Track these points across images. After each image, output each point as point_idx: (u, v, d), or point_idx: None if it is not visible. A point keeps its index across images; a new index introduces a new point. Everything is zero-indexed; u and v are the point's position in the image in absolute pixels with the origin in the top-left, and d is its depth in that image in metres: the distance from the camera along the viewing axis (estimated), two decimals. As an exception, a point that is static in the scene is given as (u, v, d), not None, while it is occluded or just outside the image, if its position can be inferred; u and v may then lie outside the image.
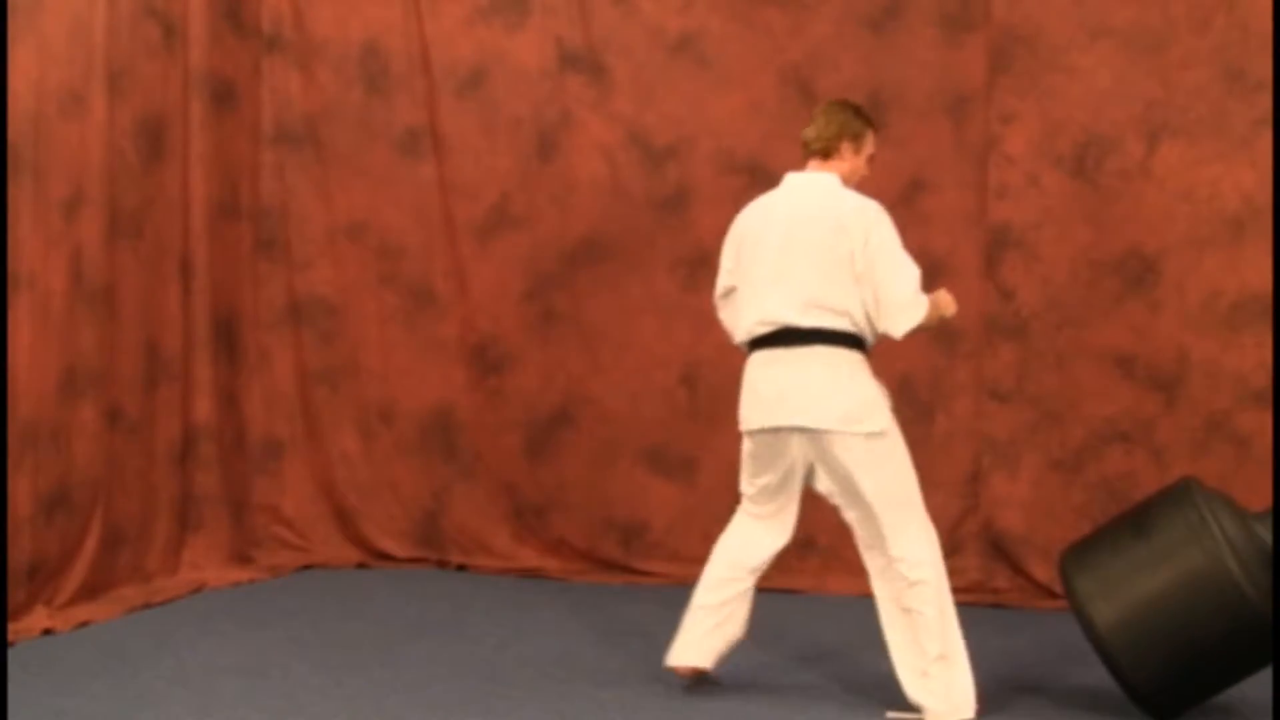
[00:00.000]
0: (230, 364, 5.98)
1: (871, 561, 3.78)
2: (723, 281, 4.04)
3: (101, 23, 5.10)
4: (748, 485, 3.97)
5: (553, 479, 5.96)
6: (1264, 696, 3.85)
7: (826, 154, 3.88)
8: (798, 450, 3.78)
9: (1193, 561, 3.57)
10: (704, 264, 5.76)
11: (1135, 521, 3.78)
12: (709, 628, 3.93)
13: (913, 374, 5.53)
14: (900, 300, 3.68)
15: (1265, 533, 3.62)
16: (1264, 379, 5.09)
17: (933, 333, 5.55)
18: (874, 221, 3.71)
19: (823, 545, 5.47)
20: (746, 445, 3.93)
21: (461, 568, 5.99)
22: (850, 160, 3.90)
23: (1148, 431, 5.25)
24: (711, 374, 5.72)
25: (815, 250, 3.70)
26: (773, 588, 5.44)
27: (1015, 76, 5.37)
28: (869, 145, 3.94)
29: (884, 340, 3.79)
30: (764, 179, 5.65)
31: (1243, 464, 5.14)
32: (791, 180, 3.93)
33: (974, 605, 5.29)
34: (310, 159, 6.17)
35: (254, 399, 6.13)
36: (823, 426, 3.67)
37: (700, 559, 5.74)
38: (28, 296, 4.74)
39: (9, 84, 4.61)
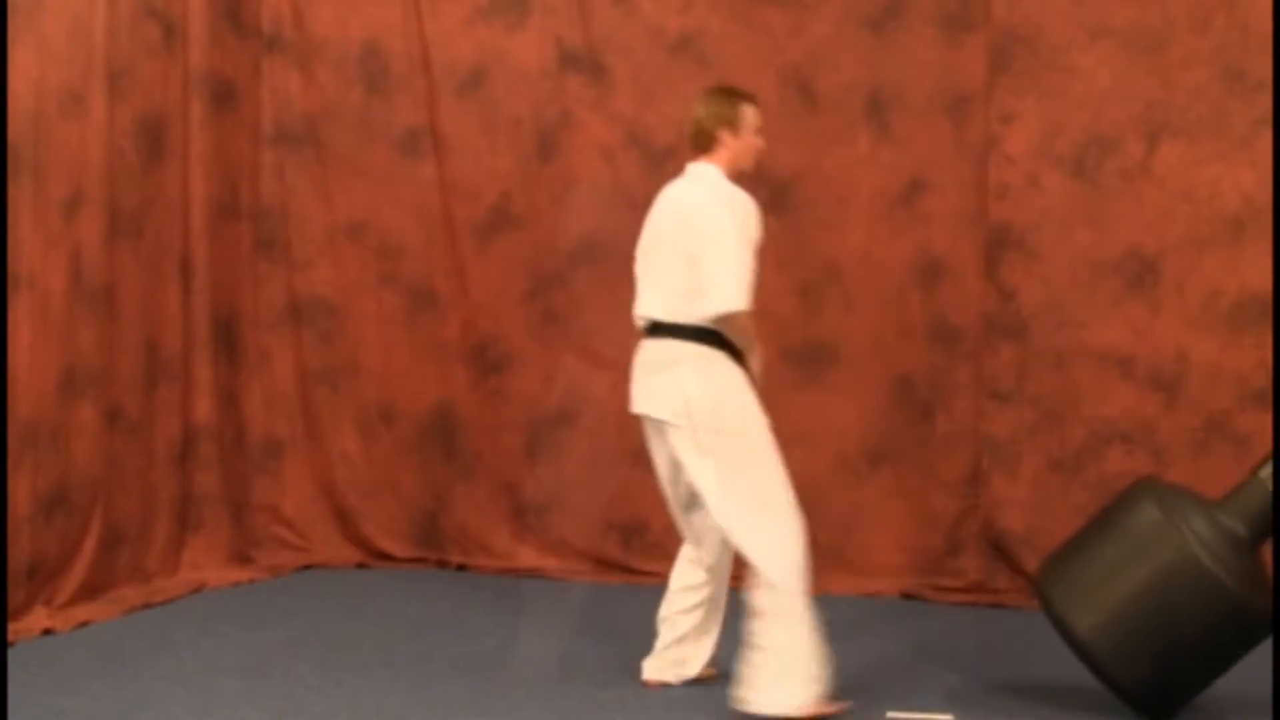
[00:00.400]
0: (230, 364, 5.98)
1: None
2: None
3: (101, 23, 5.10)
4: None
5: (553, 479, 5.96)
6: (1264, 697, 3.85)
7: (705, 148, 3.86)
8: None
9: (1163, 558, 3.60)
10: (704, 264, 5.76)
11: (1100, 529, 3.81)
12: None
13: (913, 374, 5.53)
14: (717, 277, 3.65)
15: (1230, 520, 3.65)
16: (1264, 379, 5.09)
17: (932, 332, 5.58)
18: (714, 212, 3.70)
19: (822, 545, 5.46)
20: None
21: (461, 568, 5.99)
22: (732, 145, 3.84)
23: (1148, 431, 5.25)
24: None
25: (671, 245, 3.78)
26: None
27: (1015, 76, 5.37)
28: (750, 121, 3.88)
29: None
30: (763, 179, 5.65)
31: (1243, 464, 5.12)
32: (687, 171, 3.93)
33: (974, 605, 5.30)
34: (310, 159, 6.17)
35: (254, 399, 6.13)
36: (660, 417, 3.79)
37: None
38: (28, 296, 4.74)
39: (9, 84, 4.61)
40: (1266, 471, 3.68)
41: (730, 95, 3.89)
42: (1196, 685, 3.70)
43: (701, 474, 3.74)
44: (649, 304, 3.87)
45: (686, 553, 4.09)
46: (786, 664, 3.62)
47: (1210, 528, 3.61)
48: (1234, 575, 3.54)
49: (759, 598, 3.69)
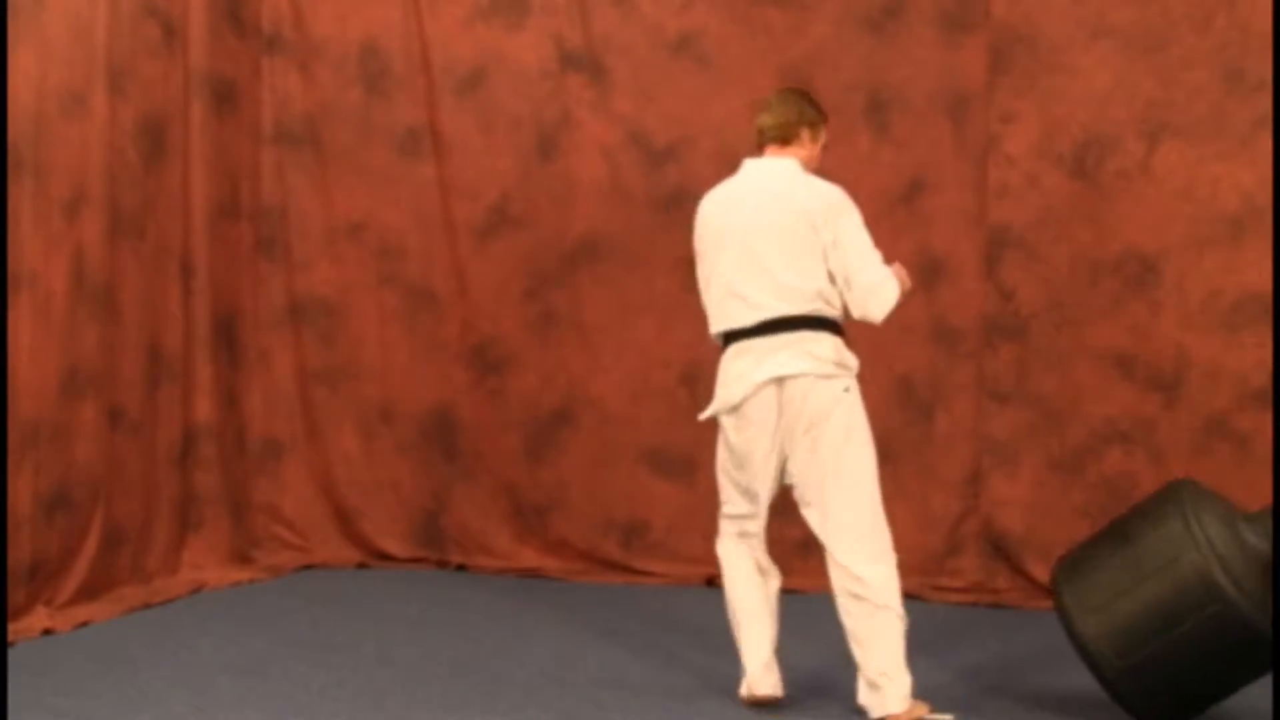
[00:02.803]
0: (230, 364, 5.98)
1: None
2: (700, 273, 3.94)
3: (103, 23, 5.10)
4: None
5: (553, 479, 5.96)
6: (1264, 700, 3.85)
7: (785, 140, 3.82)
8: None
9: (1180, 576, 3.46)
10: (704, 264, 5.77)
11: (1122, 532, 3.69)
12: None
13: (913, 374, 5.54)
14: (872, 283, 3.64)
15: (1256, 538, 3.51)
16: (1264, 379, 5.09)
17: (932, 332, 5.58)
18: (839, 207, 3.68)
19: (822, 545, 5.46)
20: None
21: (461, 568, 5.99)
22: (808, 147, 3.84)
23: (1148, 431, 5.25)
24: (711, 374, 5.67)
25: (783, 236, 3.65)
26: (773, 588, 5.45)
27: (1015, 76, 5.37)
28: (824, 135, 3.90)
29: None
30: (764, 179, 5.67)
31: (1243, 464, 5.14)
32: (751, 166, 3.86)
33: (974, 605, 5.31)
34: (310, 159, 6.17)
35: (254, 399, 6.13)
36: (796, 370, 3.63)
37: (700, 559, 5.78)
38: (29, 296, 4.74)
39: (9, 84, 4.62)
40: None
41: (815, 102, 3.90)
42: (1206, 701, 3.64)
43: (831, 434, 3.62)
44: (753, 298, 3.67)
45: (752, 547, 3.88)
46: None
47: (1233, 545, 3.47)
48: (1251, 598, 3.41)
49: (861, 585, 3.61)
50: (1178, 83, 5.21)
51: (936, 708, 3.76)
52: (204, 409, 5.76)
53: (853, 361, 3.72)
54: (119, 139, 5.24)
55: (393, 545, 6.08)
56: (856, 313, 3.69)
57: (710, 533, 6.04)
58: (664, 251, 5.79)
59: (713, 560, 5.73)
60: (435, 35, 6.03)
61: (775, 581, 3.88)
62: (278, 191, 6.19)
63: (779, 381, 3.65)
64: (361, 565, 6.04)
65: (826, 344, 3.66)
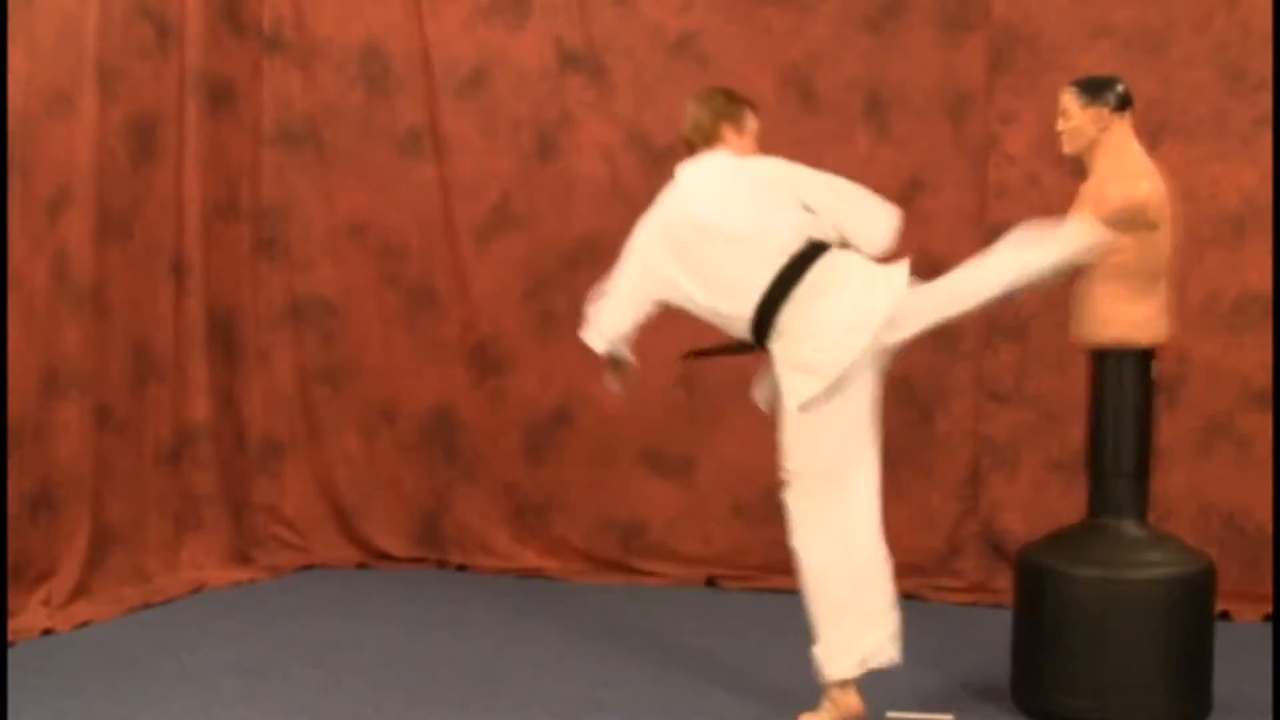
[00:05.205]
0: (230, 364, 5.98)
1: None
2: (636, 284, 3.92)
3: (92, 23, 5.08)
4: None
5: (553, 479, 5.96)
6: (1264, 698, 3.85)
7: (709, 140, 3.79)
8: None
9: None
10: (704, 264, 5.76)
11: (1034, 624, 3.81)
12: None
13: (912, 374, 5.52)
14: (874, 204, 3.66)
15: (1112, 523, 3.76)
16: (1265, 379, 5.09)
17: (932, 333, 5.57)
18: (786, 163, 3.70)
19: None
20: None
21: (461, 568, 5.99)
22: (735, 139, 3.79)
23: (1148, 432, 5.25)
24: (710, 374, 5.72)
25: (764, 200, 3.62)
26: (773, 588, 5.45)
27: (1015, 76, 5.37)
28: (750, 123, 3.86)
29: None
30: (764, 179, 5.67)
31: (1243, 464, 5.14)
32: (688, 171, 3.81)
33: (974, 605, 5.31)
34: (311, 159, 6.17)
35: (254, 399, 6.12)
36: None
37: (700, 559, 5.78)
38: (12, 296, 4.74)
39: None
40: None
41: (732, 96, 3.88)
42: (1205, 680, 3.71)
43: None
44: (779, 241, 3.56)
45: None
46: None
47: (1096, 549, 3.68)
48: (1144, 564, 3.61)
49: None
50: (1178, 83, 5.21)
51: (937, 708, 3.76)
52: (202, 409, 5.75)
53: None
54: (108, 139, 5.22)
55: (393, 545, 6.08)
56: (866, 240, 3.63)
57: (710, 532, 6.05)
58: (664, 251, 5.79)
59: (712, 560, 5.79)
60: (436, 36, 6.03)
61: None
62: (278, 191, 6.18)
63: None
64: (361, 565, 6.04)
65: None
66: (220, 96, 5.86)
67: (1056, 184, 5.36)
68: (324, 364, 6.17)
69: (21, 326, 4.79)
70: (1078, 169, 5.37)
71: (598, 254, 5.89)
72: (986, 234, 5.45)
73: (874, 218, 3.67)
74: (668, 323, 5.79)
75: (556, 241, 5.93)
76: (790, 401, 3.57)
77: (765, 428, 5.70)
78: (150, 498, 5.51)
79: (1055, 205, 5.35)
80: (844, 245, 3.64)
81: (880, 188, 5.53)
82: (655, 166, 5.80)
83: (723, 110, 3.81)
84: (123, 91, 5.30)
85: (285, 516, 6.15)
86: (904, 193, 5.51)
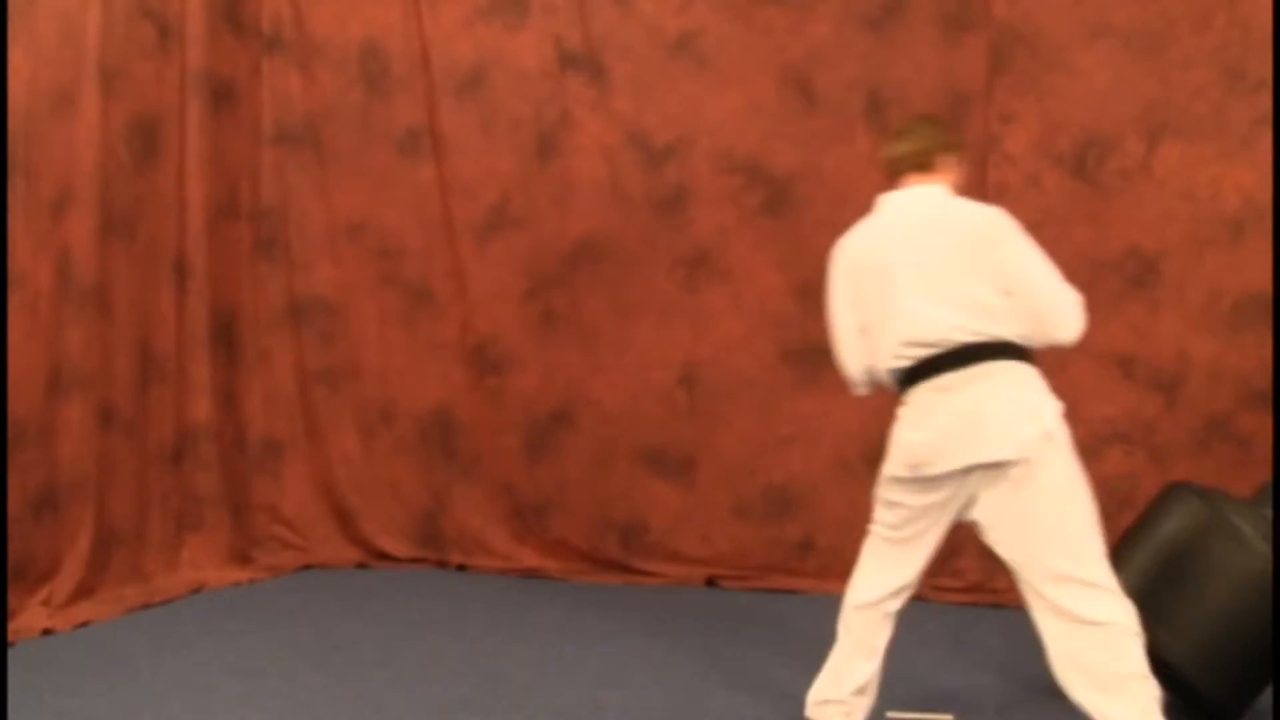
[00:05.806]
0: (230, 364, 5.98)
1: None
2: (845, 324, 3.50)
3: (94, 23, 5.10)
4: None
5: (553, 479, 5.96)
6: (1264, 700, 3.85)
7: (925, 167, 3.45)
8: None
9: (1244, 569, 3.60)
10: (703, 264, 5.76)
11: (1159, 550, 3.77)
12: None
13: (913, 374, 5.53)
14: (1064, 300, 3.33)
15: (1268, 509, 3.70)
16: (1264, 379, 5.09)
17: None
18: (1007, 224, 3.29)
19: (822, 545, 5.48)
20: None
21: (461, 568, 5.99)
22: (954, 172, 3.48)
23: (1148, 432, 5.25)
24: (710, 374, 5.72)
25: (957, 261, 3.27)
26: (773, 588, 5.46)
27: (1015, 76, 5.37)
28: (964, 163, 3.65)
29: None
30: (763, 179, 5.67)
31: (1243, 464, 5.13)
32: (893, 199, 3.50)
33: (974, 605, 5.30)
34: (310, 159, 6.17)
35: (254, 399, 6.13)
36: (1003, 458, 3.40)
37: (699, 559, 5.78)
38: (16, 296, 4.74)
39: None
40: None
41: (950, 128, 3.64)
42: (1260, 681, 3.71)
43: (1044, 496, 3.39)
44: (938, 328, 3.27)
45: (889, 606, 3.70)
46: None
47: (1263, 521, 3.64)
48: None
49: None
50: (1178, 83, 5.21)
51: (937, 708, 3.75)
52: (203, 409, 5.75)
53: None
54: (110, 139, 5.23)
55: (393, 545, 6.08)
56: (1048, 336, 3.42)
57: (710, 532, 6.04)
58: (664, 252, 5.80)
59: (712, 560, 5.80)
60: (435, 36, 6.03)
61: None
62: (278, 192, 6.19)
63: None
64: (361, 565, 6.04)
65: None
66: (221, 96, 5.87)
67: (1056, 184, 5.36)
68: (323, 364, 6.17)
69: (25, 326, 4.79)
70: (1078, 169, 5.39)
71: (597, 254, 5.90)
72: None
73: (1064, 330, 3.43)
74: (667, 323, 5.81)
75: (556, 241, 5.93)
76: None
77: (765, 427, 5.73)
78: (152, 498, 5.52)
79: (1055, 205, 5.38)
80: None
81: (880, 187, 5.57)
82: (655, 166, 5.81)
83: (946, 140, 3.48)
84: (124, 92, 5.31)
85: (285, 516, 6.15)
86: (904, 193, 5.51)
